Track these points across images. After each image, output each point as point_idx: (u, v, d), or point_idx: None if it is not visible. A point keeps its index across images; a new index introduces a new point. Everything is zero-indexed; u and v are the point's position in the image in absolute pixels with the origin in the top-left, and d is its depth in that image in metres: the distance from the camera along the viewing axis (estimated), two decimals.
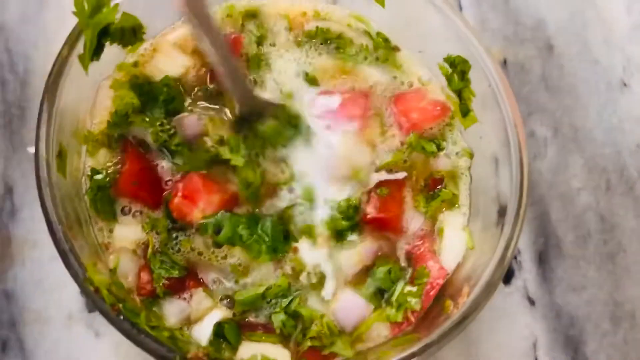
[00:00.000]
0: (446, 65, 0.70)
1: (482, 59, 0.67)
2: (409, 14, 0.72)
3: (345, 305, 0.65)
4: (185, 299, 0.63)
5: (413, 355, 0.57)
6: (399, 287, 0.65)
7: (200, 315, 0.63)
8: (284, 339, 0.63)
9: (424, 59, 0.74)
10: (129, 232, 0.64)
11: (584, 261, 0.78)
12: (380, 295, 0.66)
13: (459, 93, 0.71)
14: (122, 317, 0.52)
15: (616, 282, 0.77)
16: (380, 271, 0.66)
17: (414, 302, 0.64)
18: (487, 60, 0.67)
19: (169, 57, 0.69)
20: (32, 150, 0.75)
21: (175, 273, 0.63)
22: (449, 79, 0.71)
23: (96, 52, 0.62)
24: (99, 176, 0.64)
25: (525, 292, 0.76)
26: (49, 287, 0.70)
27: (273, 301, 0.64)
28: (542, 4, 0.89)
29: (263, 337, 0.63)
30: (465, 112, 0.71)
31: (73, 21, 0.80)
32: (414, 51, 0.74)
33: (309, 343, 0.62)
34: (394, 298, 0.65)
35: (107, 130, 0.66)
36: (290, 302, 0.63)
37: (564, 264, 0.77)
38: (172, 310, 0.62)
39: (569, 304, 0.76)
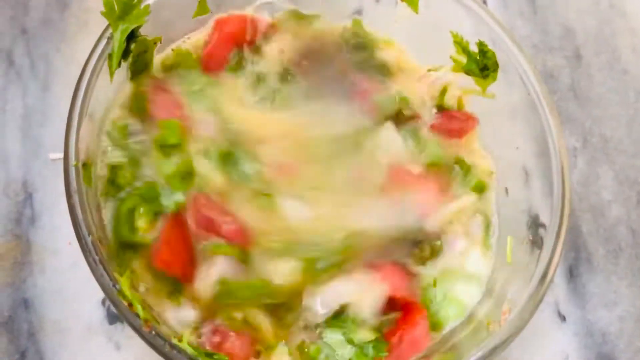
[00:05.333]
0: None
1: (519, 64, 0.65)
2: (439, 19, 0.71)
3: None
4: None
5: None
6: None
7: None
8: None
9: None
10: None
11: (615, 276, 0.76)
12: None
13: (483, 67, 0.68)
14: (154, 333, 0.50)
15: None
16: None
17: None
18: (526, 67, 0.65)
19: None
20: (53, 156, 0.73)
21: None
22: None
23: (124, 55, 0.60)
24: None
25: (556, 307, 0.74)
26: (69, 297, 0.68)
27: None
28: (571, 13, 0.88)
29: None
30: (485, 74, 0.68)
31: (95, 25, 0.80)
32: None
33: None
34: None
35: None
36: None
37: (595, 279, 0.75)
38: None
39: (600, 320, 0.74)
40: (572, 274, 0.75)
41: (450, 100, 0.72)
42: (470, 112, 0.71)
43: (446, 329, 0.62)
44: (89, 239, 0.51)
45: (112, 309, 0.68)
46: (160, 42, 0.66)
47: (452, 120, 0.71)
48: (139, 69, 0.63)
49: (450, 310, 0.63)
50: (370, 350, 0.59)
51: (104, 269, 0.50)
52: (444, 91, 0.72)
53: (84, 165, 0.55)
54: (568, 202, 0.59)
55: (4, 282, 0.68)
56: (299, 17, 0.72)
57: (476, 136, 0.72)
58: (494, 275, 0.64)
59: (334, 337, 0.60)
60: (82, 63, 0.76)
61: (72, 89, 0.75)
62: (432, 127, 0.70)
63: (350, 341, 0.60)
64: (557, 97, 0.83)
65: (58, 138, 0.73)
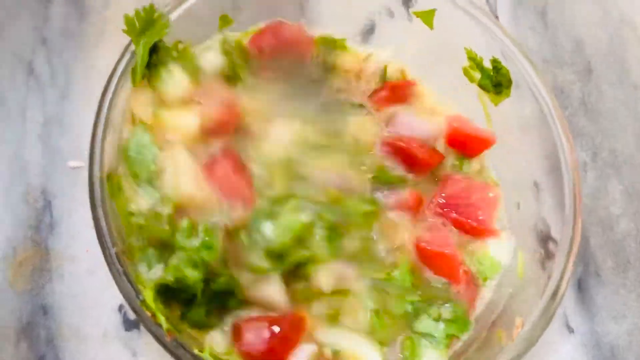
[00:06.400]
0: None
1: (531, 80, 0.66)
2: (451, 33, 0.72)
3: None
4: None
5: None
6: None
7: None
8: None
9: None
10: None
11: (624, 289, 0.76)
12: None
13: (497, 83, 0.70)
14: (177, 343, 0.51)
15: None
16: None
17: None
18: (538, 83, 0.66)
19: None
20: (72, 164, 0.74)
21: None
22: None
23: (147, 68, 0.61)
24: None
25: (564, 319, 0.74)
26: (86, 303, 0.70)
27: None
28: (581, 26, 0.89)
29: None
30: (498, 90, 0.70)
31: (113, 35, 0.81)
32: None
33: None
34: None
35: None
36: None
37: (604, 291, 0.76)
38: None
39: (609, 333, 0.74)
40: (580, 286, 0.76)
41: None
42: (411, 79, 0.74)
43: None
44: (113, 251, 0.52)
45: (129, 315, 0.69)
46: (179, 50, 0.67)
47: (395, 89, 0.73)
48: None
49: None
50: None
51: (128, 280, 0.51)
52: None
53: (108, 177, 0.56)
54: (579, 220, 0.60)
55: (23, 288, 0.69)
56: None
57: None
58: (505, 289, 0.65)
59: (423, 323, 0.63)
60: (101, 72, 0.78)
61: (92, 98, 0.76)
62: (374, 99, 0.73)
63: (437, 318, 0.63)
64: (567, 112, 0.84)
65: (77, 146, 0.75)
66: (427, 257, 0.66)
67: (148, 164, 0.59)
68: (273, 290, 0.60)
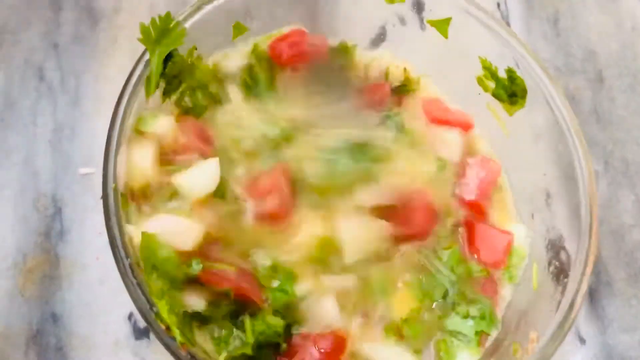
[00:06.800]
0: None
1: (546, 89, 0.66)
2: (464, 42, 0.71)
3: None
4: None
5: None
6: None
7: None
8: None
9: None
10: None
11: (636, 300, 0.76)
12: None
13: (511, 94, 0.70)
14: (191, 357, 0.50)
15: None
16: None
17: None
18: (552, 91, 0.65)
19: None
20: (82, 171, 0.74)
21: None
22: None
23: (162, 77, 0.61)
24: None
25: (576, 330, 0.74)
26: (96, 311, 0.69)
27: None
28: (593, 35, 0.88)
29: None
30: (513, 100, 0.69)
31: (124, 41, 0.81)
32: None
33: None
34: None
35: None
36: None
37: (616, 302, 0.76)
38: None
39: (620, 344, 0.74)
40: (592, 297, 0.76)
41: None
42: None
43: None
44: (127, 262, 0.52)
45: (139, 324, 0.69)
46: (196, 55, 0.67)
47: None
48: (175, 88, 0.64)
49: None
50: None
51: (142, 291, 0.51)
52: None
53: (122, 194, 0.56)
54: (595, 233, 0.60)
55: (33, 296, 0.69)
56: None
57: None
58: (519, 301, 0.65)
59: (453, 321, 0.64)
60: (112, 78, 0.78)
61: (103, 104, 0.77)
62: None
63: (465, 315, 0.64)
64: (579, 120, 0.83)
65: (88, 153, 0.75)
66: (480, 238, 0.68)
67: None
68: (327, 307, 0.61)
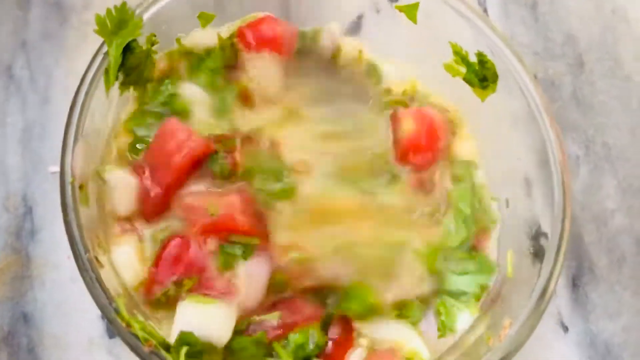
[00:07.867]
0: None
1: (517, 74, 0.65)
2: (437, 28, 0.70)
3: None
4: None
5: None
6: None
7: None
8: None
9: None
10: None
11: (619, 286, 0.75)
12: None
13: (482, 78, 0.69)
14: (155, 354, 0.49)
15: None
16: None
17: None
18: (525, 77, 0.64)
19: None
20: (53, 169, 0.73)
21: None
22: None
23: (120, 69, 0.60)
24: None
25: (558, 318, 0.73)
26: (68, 311, 0.68)
27: None
28: (573, 19, 0.87)
29: None
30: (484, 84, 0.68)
31: (95, 38, 0.79)
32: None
33: None
34: None
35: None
36: None
37: (598, 288, 0.75)
38: None
39: (604, 331, 0.73)
40: (574, 283, 0.75)
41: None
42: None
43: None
44: (85, 257, 0.51)
45: None
46: (156, 43, 0.65)
47: None
48: (134, 79, 0.63)
49: None
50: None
51: (101, 287, 0.50)
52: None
53: (80, 186, 0.55)
54: (569, 217, 0.59)
55: (3, 296, 0.68)
56: None
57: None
58: (494, 288, 0.64)
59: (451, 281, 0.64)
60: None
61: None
62: None
63: (462, 272, 0.64)
64: (559, 105, 0.82)
65: (58, 151, 0.73)
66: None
67: None
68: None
